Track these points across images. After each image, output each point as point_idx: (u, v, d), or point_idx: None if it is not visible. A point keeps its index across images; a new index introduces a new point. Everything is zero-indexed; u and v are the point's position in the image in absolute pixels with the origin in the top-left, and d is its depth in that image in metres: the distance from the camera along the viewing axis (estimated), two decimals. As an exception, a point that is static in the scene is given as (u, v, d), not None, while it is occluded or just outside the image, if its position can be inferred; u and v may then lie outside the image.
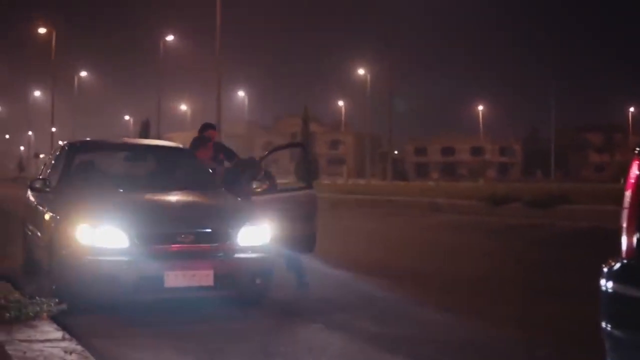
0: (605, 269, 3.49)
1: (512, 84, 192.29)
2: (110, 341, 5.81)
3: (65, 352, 4.92)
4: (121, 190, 7.81)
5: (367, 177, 74.84)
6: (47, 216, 7.75)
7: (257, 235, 7.11)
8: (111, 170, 9.05)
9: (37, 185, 8.10)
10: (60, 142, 10.30)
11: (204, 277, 6.78)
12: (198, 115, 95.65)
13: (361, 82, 76.89)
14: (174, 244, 6.80)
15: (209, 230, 7.00)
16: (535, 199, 21.38)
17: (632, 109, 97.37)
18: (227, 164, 9.21)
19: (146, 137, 61.32)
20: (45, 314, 5.91)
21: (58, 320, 5.89)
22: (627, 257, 3.44)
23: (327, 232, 9.65)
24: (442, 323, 6.75)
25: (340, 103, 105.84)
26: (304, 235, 8.30)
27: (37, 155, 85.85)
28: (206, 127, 9.38)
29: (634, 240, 3.41)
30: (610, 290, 3.42)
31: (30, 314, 5.84)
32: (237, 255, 6.97)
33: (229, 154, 9.36)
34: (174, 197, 7.80)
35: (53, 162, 9.05)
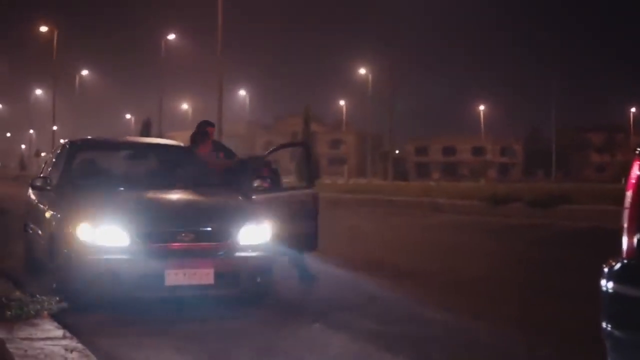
0: (605, 269, 3.49)
1: (513, 84, 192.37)
2: (111, 339, 5.81)
3: (66, 350, 4.92)
4: (122, 189, 7.82)
5: (368, 176, 74.85)
6: (48, 214, 7.76)
7: (257, 233, 7.12)
8: (112, 168, 9.05)
9: (38, 183, 8.11)
10: (62, 141, 10.30)
11: (204, 275, 6.79)
12: (199, 114, 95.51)
13: (362, 81, 77.01)
14: (174, 242, 6.81)
15: (210, 228, 7.01)
16: (536, 199, 21.34)
17: (633, 109, 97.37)
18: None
19: (147, 136, 61.30)
20: (46, 312, 5.92)
21: (59, 318, 5.90)
22: (628, 257, 3.44)
23: (327, 232, 9.65)
24: (443, 322, 6.75)
25: (342, 103, 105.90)
26: (306, 234, 8.31)
27: (38, 154, 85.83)
28: (205, 124, 9.39)
29: (635, 240, 3.41)
30: (610, 291, 3.42)
31: (31, 312, 5.84)
32: (237, 254, 6.98)
33: (229, 154, 9.38)
34: (175, 196, 7.81)
35: (54, 160, 9.05)
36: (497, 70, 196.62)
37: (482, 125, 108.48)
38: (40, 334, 5.34)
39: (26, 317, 5.76)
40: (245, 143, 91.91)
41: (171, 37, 59.03)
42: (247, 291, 7.14)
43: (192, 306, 6.89)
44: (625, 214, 3.48)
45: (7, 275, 8.00)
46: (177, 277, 6.72)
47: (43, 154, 74.23)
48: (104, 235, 6.73)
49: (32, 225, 8.75)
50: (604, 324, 3.42)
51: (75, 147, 8.76)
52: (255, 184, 8.33)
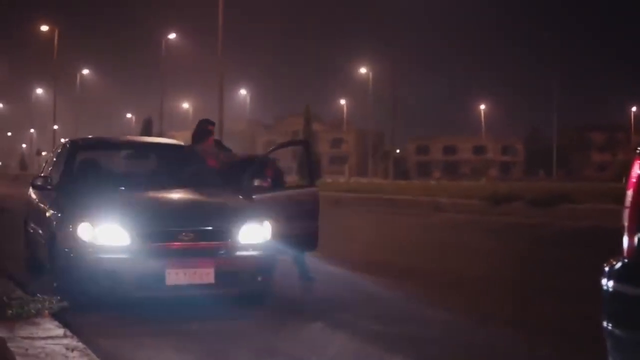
0: (606, 268, 3.49)
1: (513, 84, 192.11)
2: (112, 339, 5.81)
3: (67, 349, 4.92)
4: (123, 188, 7.82)
5: (369, 175, 74.88)
6: (48, 214, 7.76)
7: (258, 233, 7.12)
8: (113, 168, 9.06)
9: (39, 183, 8.11)
10: (62, 140, 10.30)
11: (205, 274, 6.79)
12: (200, 113, 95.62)
13: (363, 80, 77.00)
14: (175, 241, 6.81)
15: (210, 228, 7.01)
16: (536, 198, 21.34)
17: (634, 108, 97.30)
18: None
19: (148, 135, 61.34)
20: (47, 312, 5.92)
21: (60, 317, 5.90)
22: (629, 256, 3.44)
23: (328, 231, 9.65)
24: (444, 322, 6.75)
25: (342, 102, 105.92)
26: (306, 234, 8.30)
27: (39, 153, 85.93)
28: (205, 122, 9.39)
29: (635, 239, 3.41)
30: (611, 290, 3.42)
31: (32, 311, 5.84)
32: (238, 253, 6.98)
33: (229, 154, 9.39)
34: (175, 195, 7.81)
35: (55, 159, 9.06)
36: (497, 70, 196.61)
37: (483, 124, 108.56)
38: (41, 333, 5.34)
39: (27, 316, 5.76)
40: (246, 142, 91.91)
41: (172, 36, 59.05)
42: (248, 291, 7.13)
43: (192, 305, 6.89)
44: (626, 213, 3.48)
45: (8, 274, 8.00)
46: (177, 276, 6.72)
47: (44, 153, 74.32)
48: (104, 234, 6.73)
49: (32, 225, 8.75)
50: (604, 323, 3.42)
51: (76, 146, 8.76)
52: (256, 183, 8.32)
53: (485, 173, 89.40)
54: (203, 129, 9.17)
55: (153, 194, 7.68)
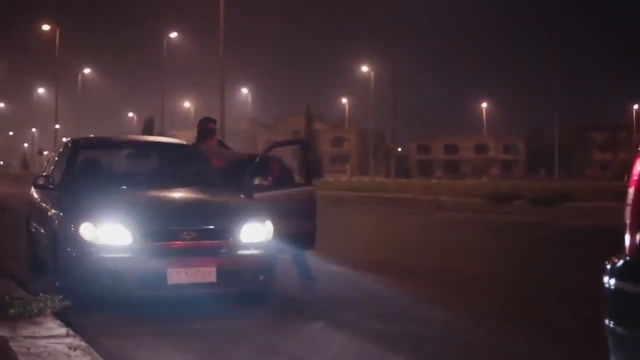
0: (608, 266, 3.49)
1: (513, 84, 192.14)
2: (114, 338, 5.82)
3: (70, 348, 4.93)
4: (124, 188, 7.82)
5: (370, 174, 74.89)
6: (50, 213, 7.77)
7: (260, 231, 7.12)
8: (115, 167, 9.06)
9: (41, 182, 8.11)
10: (64, 139, 10.31)
11: (206, 273, 6.79)
12: (202, 112, 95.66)
13: (364, 79, 77.00)
14: (176, 240, 6.81)
15: (212, 227, 7.01)
16: (538, 196, 21.35)
17: (635, 106, 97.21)
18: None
19: (150, 134, 61.35)
20: (49, 311, 5.93)
21: (62, 316, 5.90)
22: (630, 254, 3.44)
23: (330, 230, 9.67)
24: (445, 321, 6.76)
25: (344, 101, 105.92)
26: (303, 233, 8.30)
27: (40, 152, 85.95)
28: (207, 120, 9.39)
29: (637, 237, 3.41)
30: (613, 288, 3.42)
31: (34, 310, 5.85)
32: (240, 252, 6.98)
33: (232, 153, 9.40)
34: (177, 194, 7.81)
35: (57, 159, 9.06)
36: (498, 70, 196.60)
37: (485, 122, 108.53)
38: (43, 332, 5.35)
39: (29, 316, 5.77)
40: (247, 141, 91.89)
41: (173, 35, 59.09)
42: (250, 290, 7.13)
43: (193, 304, 6.89)
44: (628, 211, 3.48)
45: (10, 273, 8.01)
46: (179, 275, 6.72)
47: (45, 153, 74.33)
48: (106, 233, 6.73)
49: (34, 224, 8.76)
50: (606, 321, 3.42)
51: (78, 145, 8.77)
52: (256, 182, 8.31)
53: (487, 172, 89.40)
54: (206, 128, 9.17)
55: (155, 193, 7.69)
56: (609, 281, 3.44)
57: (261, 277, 7.09)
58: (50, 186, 8.01)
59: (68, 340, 5.15)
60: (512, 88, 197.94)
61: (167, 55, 59.58)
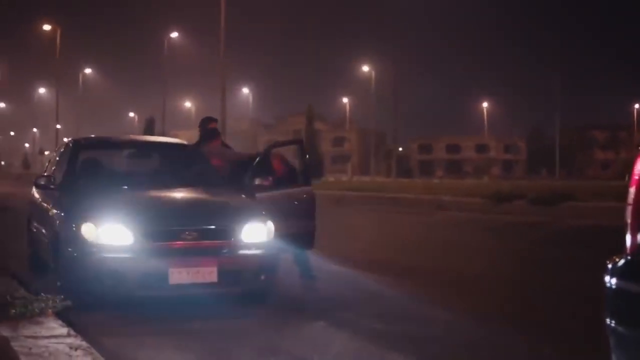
0: (609, 266, 3.49)
1: (513, 84, 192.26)
2: (115, 338, 5.83)
3: (71, 348, 4.93)
4: (126, 188, 7.83)
5: (371, 174, 74.87)
6: (52, 213, 7.77)
7: (261, 231, 7.12)
8: (116, 167, 9.07)
9: (42, 182, 8.12)
10: (65, 140, 10.32)
11: (208, 273, 6.79)
12: (203, 112, 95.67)
13: (365, 79, 77.01)
14: (178, 240, 6.81)
15: (213, 227, 7.01)
16: (539, 196, 21.32)
17: (637, 106, 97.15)
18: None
19: (151, 134, 61.36)
20: (50, 311, 5.93)
21: (63, 316, 5.91)
22: (631, 254, 3.45)
23: (330, 229, 9.67)
24: (444, 321, 6.76)
25: (345, 100, 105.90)
26: (303, 232, 8.31)
27: (42, 152, 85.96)
28: (208, 120, 9.39)
29: (638, 237, 3.41)
30: (614, 287, 3.42)
31: (36, 310, 5.85)
32: (241, 252, 6.98)
33: (234, 153, 9.40)
34: (178, 194, 7.81)
35: (58, 159, 9.07)
36: (498, 70, 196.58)
37: (486, 122, 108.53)
38: (44, 332, 5.35)
39: (30, 316, 5.77)
40: (248, 141, 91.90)
41: (174, 35, 59.10)
42: (251, 289, 7.14)
43: (195, 304, 6.90)
44: (629, 210, 3.48)
45: (11, 273, 8.01)
46: (180, 275, 6.72)
47: (46, 153, 74.31)
48: (107, 233, 6.74)
49: (36, 224, 8.76)
50: (607, 321, 3.42)
51: (79, 145, 8.77)
52: (257, 182, 8.31)
53: (488, 172, 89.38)
54: (209, 129, 9.15)
55: (156, 193, 7.69)
56: (610, 281, 3.44)
57: (262, 277, 7.09)
58: (52, 186, 8.02)
59: (69, 340, 5.16)
60: (513, 88, 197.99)
61: (168, 55, 59.62)
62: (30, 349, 4.89)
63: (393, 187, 34.23)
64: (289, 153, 9.61)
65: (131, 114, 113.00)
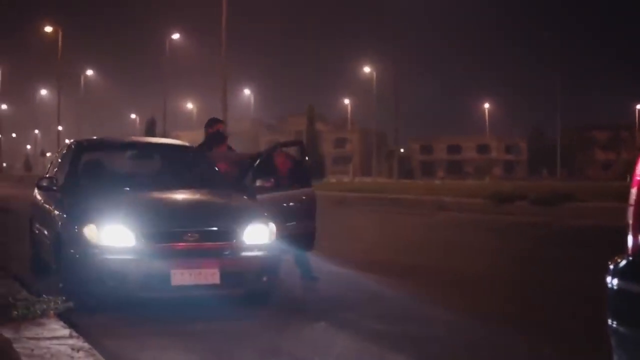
0: (611, 266, 3.50)
1: (513, 84, 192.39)
2: (117, 339, 5.83)
3: (73, 349, 4.94)
4: (128, 189, 7.83)
5: (373, 175, 74.87)
6: (54, 215, 7.78)
7: (263, 233, 7.12)
8: (118, 168, 9.07)
9: (44, 183, 8.12)
10: (67, 141, 10.32)
11: (210, 275, 6.79)
12: (204, 113, 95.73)
13: (366, 80, 77.00)
14: (180, 242, 6.81)
15: (215, 228, 7.02)
16: (540, 197, 21.34)
17: (638, 106, 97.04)
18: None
19: (152, 135, 61.39)
20: (52, 312, 5.94)
21: (65, 318, 5.92)
22: (633, 255, 3.45)
23: (332, 230, 9.67)
24: (445, 322, 6.76)
25: (346, 101, 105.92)
26: (303, 233, 8.31)
27: (43, 154, 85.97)
28: (215, 122, 9.39)
29: None
30: (615, 287, 3.43)
31: (38, 312, 5.86)
32: (243, 254, 6.98)
33: (239, 154, 9.41)
34: (180, 196, 7.82)
35: (60, 160, 9.07)
36: (498, 70, 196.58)
37: (487, 123, 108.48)
38: (46, 334, 5.36)
39: (32, 317, 5.78)
40: (250, 142, 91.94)
41: (175, 36, 59.15)
42: (253, 291, 7.14)
43: (197, 306, 6.90)
44: (630, 211, 3.49)
45: (13, 275, 8.02)
46: (182, 277, 6.73)
47: (48, 154, 74.34)
48: (109, 235, 6.74)
49: (38, 226, 8.77)
50: (609, 321, 3.43)
51: (81, 147, 8.77)
52: (258, 183, 8.32)
53: (489, 172, 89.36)
54: (215, 133, 9.11)
55: (158, 194, 7.69)
56: (612, 281, 3.45)
57: (264, 279, 7.09)
58: (54, 188, 8.02)
59: (71, 341, 5.17)
60: (513, 88, 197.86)
61: (169, 56, 59.68)
62: (32, 350, 4.90)
63: (394, 188, 34.22)
64: (292, 153, 9.58)
65: (132, 115, 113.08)
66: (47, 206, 8.23)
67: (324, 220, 8.72)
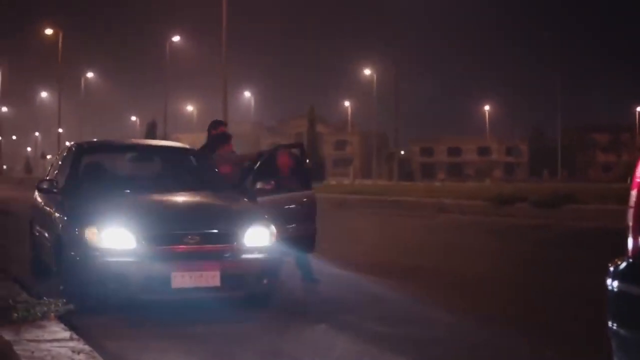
0: (611, 268, 3.50)
1: (513, 85, 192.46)
2: (118, 342, 5.83)
3: (73, 351, 4.94)
4: (128, 191, 7.83)
5: (373, 177, 74.88)
6: (54, 217, 7.78)
7: (263, 235, 7.12)
8: (118, 171, 9.07)
9: (45, 186, 8.13)
10: (68, 143, 10.33)
11: (210, 277, 6.79)
12: (204, 115, 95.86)
13: (367, 82, 77.03)
14: (180, 244, 6.81)
15: (216, 231, 7.02)
16: (541, 199, 21.33)
17: (639, 108, 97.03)
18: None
19: (152, 137, 61.39)
20: (52, 314, 5.93)
21: (66, 320, 5.91)
22: (633, 257, 3.45)
23: (333, 233, 9.67)
24: (447, 324, 6.76)
25: (347, 104, 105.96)
26: (304, 235, 8.31)
27: (44, 156, 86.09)
28: (218, 123, 9.38)
29: (640, 239, 3.42)
30: (616, 290, 3.43)
31: (38, 314, 5.86)
32: (244, 256, 6.98)
33: (242, 156, 9.41)
34: (180, 198, 7.82)
35: (60, 163, 9.07)
36: (497, 70, 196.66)
37: (487, 124, 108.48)
38: (47, 336, 5.36)
39: (33, 319, 5.78)
40: (250, 144, 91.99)
41: (175, 39, 59.17)
42: (254, 293, 7.14)
43: (197, 308, 6.90)
44: (630, 213, 3.49)
45: (13, 277, 8.02)
46: (183, 279, 6.73)
47: (49, 157, 74.42)
48: (110, 237, 6.74)
49: (38, 228, 8.77)
50: (609, 323, 3.43)
51: (82, 149, 8.77)
52: (259, 185, 8.32)
53: (490, 174, 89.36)
54: (220, 134, 9.11)
55: (158, 197, 7.69)
56: (612, 283, 3.45)
57: (265, 281, 7.09)
58: (54, 190, 8.02)
59: (72, 343, 5.17)
60: (513, 88, 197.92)
61: (170, 58, 59.70)
62: (32, 352, 4.90)
63: (395, 190, 34.21)
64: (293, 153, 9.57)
65: (133, 118, 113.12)
66: (48, 209, 8.23)
67: (324, 223, 8.72)
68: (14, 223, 14.84)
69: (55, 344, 5.14)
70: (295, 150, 9.27)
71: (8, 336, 5.26)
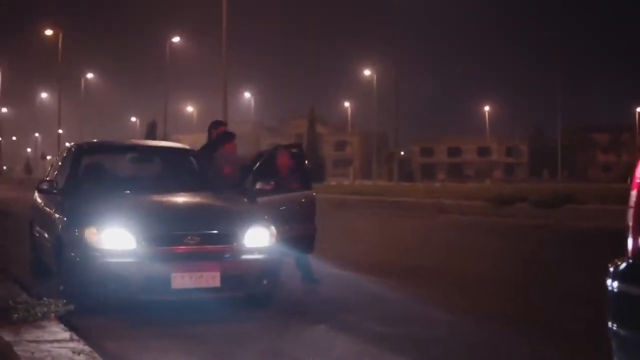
0: (611, 269, 3.50)
1: (513, 85, 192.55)
2: (118, 342, 5.83)
3: (74, 352, 4.94)
4: (128, 192, 7.83)
5: (373, 178, 74.86)
6: (54, 218, 7.78)
7: (263, 236, 7.13)
8: (118, 171, 9.07)
9: (45, 187, 8.13)
10: (68, 144, 10.34)
11: (210, 278, 6.80)
12: (205, 116, 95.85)
13: (367, 82, 77.00)
14: (180, 245, 6.82)
15: (216, 231, 7.02)
16: (541, 199, 21.33)
17: (639, 109, 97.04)
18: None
19: (153, 138, 61.43)
20: (53, 315, 5.94)
21: (66, 321, 5.91)
22: (633, 257, 3.45)
23: (333, 233, 9.67)
24: (447, 323, 6.76)
25: (347, 104, 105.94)
26: (303, 236, 8.31)
27: (44, 157, 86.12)
28: (219, 123, 9.38)
29: None
30: (616, 290, 3.43)
31: (38, 314, 5.86)
32: (244, 257, 6.99)
33: (242, 157, 9.41)
34: (180, 199, 7.82)
35: (60, 164, 9.08)
36: (497, 70, 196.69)
37: (487, 125, 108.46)
38: (47, 337, 5.36)
39: (33, 320, 5.78)
40: (251, 144, 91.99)
41: (176, 39, 59.18)
42: (254, 294, 7.14)
43: (198, 308, 6.91)
44: (630, 213, 3.49)
45: (13, 278, 8.02)
46: (183, 280, 6.73)
47: (49, 157, 74.42)
48: (110, 238, 6.74)
49: (38, 229, 8.77)
50: (609, 324, 3.43)
51: (82, 150, 8.78)
52: (258, 186, 8.32)
53: (490, 174, 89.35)
54: (223, 133, 9.11)
55: (158, 197, 7.70)
56: (612, 284, 3.45)
57: (265, 282, 7.09)
58: (54, 191, 8.03)
59: (72, 344, 5.17)
60: (513, 88, 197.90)
61: (170, 58, 59.70)
62: (32, 353, 4.90)
63: (395, 191, 34.21)
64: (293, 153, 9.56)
65: (133, 118, 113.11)
66: (48, 209, 8.23)
67: (324, 223, 8.72)
68: (14, 224, 14.85)
69: (56, 344, 5.14)
70: (294, 150, 9.28)
71: (8, 337, 5.27)
